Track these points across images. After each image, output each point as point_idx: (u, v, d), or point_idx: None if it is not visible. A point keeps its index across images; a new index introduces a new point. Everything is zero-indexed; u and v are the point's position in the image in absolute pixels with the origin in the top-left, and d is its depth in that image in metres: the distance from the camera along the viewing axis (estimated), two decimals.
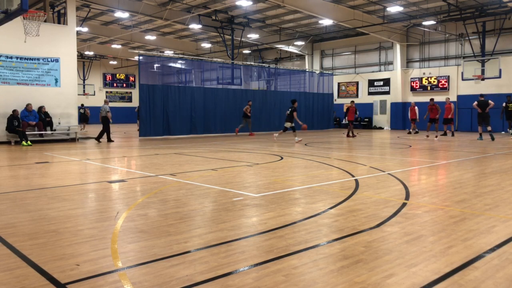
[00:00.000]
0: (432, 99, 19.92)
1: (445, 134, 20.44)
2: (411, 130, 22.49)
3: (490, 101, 18.44)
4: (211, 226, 4.66)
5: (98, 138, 17.36)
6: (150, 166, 9.76)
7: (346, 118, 21.00)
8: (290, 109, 17.24)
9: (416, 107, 22.36)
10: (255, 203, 5.76)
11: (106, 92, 43.66)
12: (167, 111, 20.01)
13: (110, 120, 17.39)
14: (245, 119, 21.59)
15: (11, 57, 16.31)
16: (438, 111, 19.21)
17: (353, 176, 8.08)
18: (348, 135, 20.10)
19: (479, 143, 16.50)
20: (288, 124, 17.15)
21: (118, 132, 25.86)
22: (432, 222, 4.82)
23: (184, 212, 5.28)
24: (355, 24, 24.31)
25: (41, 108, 16.77)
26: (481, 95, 19.26)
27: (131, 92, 45.15)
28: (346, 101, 30.80)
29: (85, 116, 27.31)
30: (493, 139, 17.67)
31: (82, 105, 29.52)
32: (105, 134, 17.41)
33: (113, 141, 17.43)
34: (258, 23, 27.74)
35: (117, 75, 44.42)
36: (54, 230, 4.47)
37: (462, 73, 23.94)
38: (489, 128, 18.23)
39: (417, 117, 22.19)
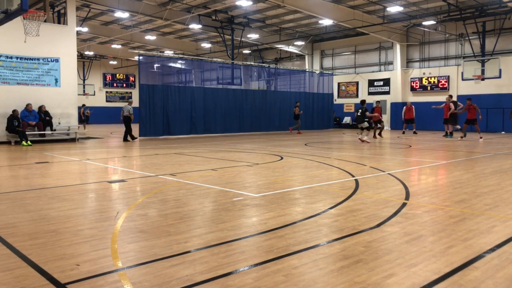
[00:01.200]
0: (469, 99, 18.81)
1: (446, 134, 20.42)
2: (412, 130, 22.34)
3: (458, 103, 19.64)
4: (211, 226, 4.66)
5: (125, 139, 17.75)
6: (150, 166, 9.76)
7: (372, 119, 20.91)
8: (360, 110, 17.22)
9: (413, 107, 22.26)
10: (255, 203, 5.76)
11: (106, 92, 43.67)
12: (167, 111, 20.01)
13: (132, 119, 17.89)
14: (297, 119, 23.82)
15: (11, 57, 16.31)
16: (476, 110, 18.32)
17: (353, 176, 8.08)
18: (380, 135, 19.97)
19: (481, 143, 16.50)
20: (365, 124, 17.15)
21: (118, 132, 25.86)
22: (432, 222, 4.82)
23: (184, 212, 5.28)
24: (355, 24, 24.30)
25: (41, 108, 16.77)
26: (450, 96, 20.21)
27: (131, 92, 45.13)
28: (346, 101, 30.85)
29: (81, 116, 27.21)
30: (448, 136, 19.60)
31: (84, 105, 29.52)
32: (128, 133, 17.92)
33: (136, 138, 17.98)
34: (258, 23, 27.74)
35: (117, 75, 44.41)
36: (54, 230, 4.47)
37: (462, 73, 23.94)
38: (457, 127, 19.55)
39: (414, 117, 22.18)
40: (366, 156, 11.97)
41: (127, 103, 18.31)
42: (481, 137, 18.04)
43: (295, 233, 4.37)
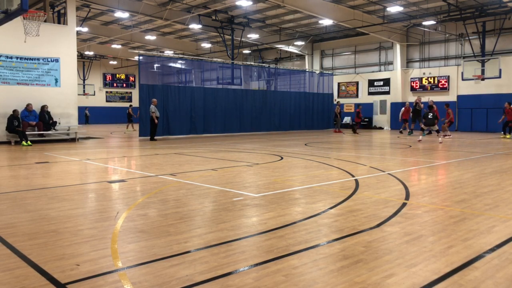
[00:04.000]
0: (509, 103, 19.51)
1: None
2: (410, 129, 22.46)
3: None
4: (211, 226, 4.66)
5: (152, 138, 18.04)
6: (150, 166, 9.76)
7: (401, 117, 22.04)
8: (431, 113, 17.60)
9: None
10: (255, 203, 5.76)
11: (106, 92, 43.67)
12: (167, 111, 20.00)
13: (155, 121, 17.80)
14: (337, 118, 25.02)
15: (11, 57, 16.31)
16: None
17: (353, 176, 8.08)
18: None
19: (484, 143, 16.51)
20: (435, 127, 17.65)
21: (118, 132, 25.86)
22: (432, 222, 4.82)
23: (184, 212, 5.28)
24: (355, 24, 24.30)
25: (43, 108, 16.73)
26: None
27: (131, 92, 45.14)
28: (346, 101, 30.84)
29: (130, 115, 26.92)
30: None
31: (131, 105, 29.19)
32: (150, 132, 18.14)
33: (155, 139, 17.93)
34: (258, 23, 27.73)
35: (117, 75, 44.41)
36: (54, 230, 4.47)
37: (462, 73, 23.93)
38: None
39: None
40: (366, 156, 11.97)
41: (151, 103, 18.21)
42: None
43: (295, 233, 4.37)
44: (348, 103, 30.81)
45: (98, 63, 41.79)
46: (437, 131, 17.78)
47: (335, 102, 27.80)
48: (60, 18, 19.36)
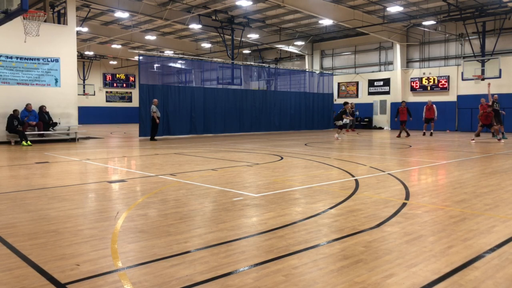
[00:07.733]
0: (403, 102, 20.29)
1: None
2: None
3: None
4: (211, 226, 4.66)
5: (152, 138, 18.11)
6: (150, 166, 9.76)
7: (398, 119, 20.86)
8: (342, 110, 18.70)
9: (434, 106, 21.27)
10: (255, 203, 5.76)
11: (106, 92, 43.66)
12: (167, 111, 20.01)
13: (157, 120, 17.81)
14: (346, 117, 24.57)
15: (11, 57, 16.31)
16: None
17: (353, 176, 8.08)
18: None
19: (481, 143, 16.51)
20: (339, 123, 18.60)
21: (118, 132, 25.87)
22: (432, 222, 4.82)
23: (184, 212, 5.28)
24: (355, 24, 24.30)
25: (42, 108, 16.74)
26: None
27: (131, 92, 45.14)
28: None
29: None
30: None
31: None
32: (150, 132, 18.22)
33: (155, 139, 17.93)
34: (258, 23, 27.73)
35: (117, 75, 44.41)
36: (54, 230, 4.47)
37: (462, 73, 23.93)
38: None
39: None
40: (366, 156, 11.97)
41: (152, 103, 18.22)
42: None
43: (295, 233, 4.37)
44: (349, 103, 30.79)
45: (98, 63, 41.78)
46: (340, 127, 18.37)
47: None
48: (60, 18, 19.36)
